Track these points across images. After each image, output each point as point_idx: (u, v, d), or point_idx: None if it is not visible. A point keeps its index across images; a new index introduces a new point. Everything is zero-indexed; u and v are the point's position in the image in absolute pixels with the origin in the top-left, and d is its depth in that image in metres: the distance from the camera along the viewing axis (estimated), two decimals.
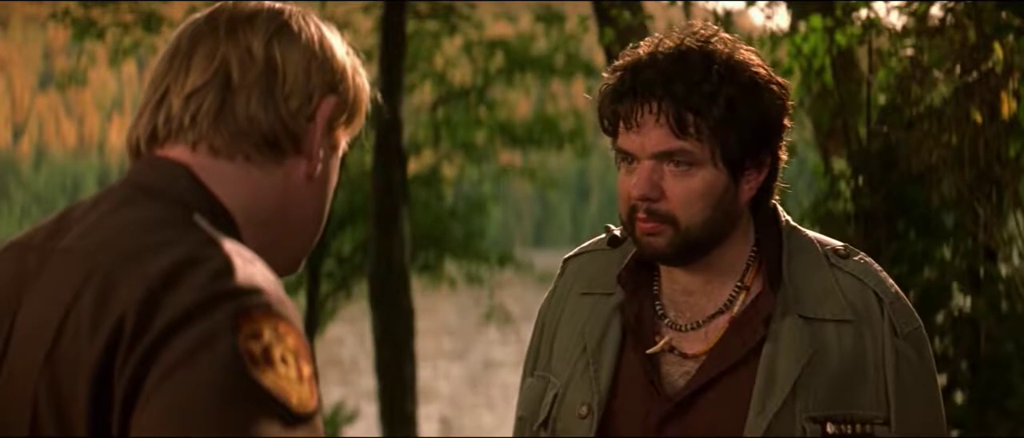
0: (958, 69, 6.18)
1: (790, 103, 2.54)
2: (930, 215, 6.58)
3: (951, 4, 6.27)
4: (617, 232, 2.65)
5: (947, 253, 6.67)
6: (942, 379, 6.55)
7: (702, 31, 2.51)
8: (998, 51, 5.81)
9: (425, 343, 15.76)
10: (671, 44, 2.48)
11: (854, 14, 6.72)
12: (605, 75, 2.55)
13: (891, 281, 2.58)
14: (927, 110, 6.39)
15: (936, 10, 6.48)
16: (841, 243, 2.61)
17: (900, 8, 6.73)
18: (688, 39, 2.49)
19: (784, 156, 2.55)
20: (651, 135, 2.45)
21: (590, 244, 2.73)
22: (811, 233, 2.61)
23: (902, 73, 6.58)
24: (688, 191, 2.46)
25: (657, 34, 2.53)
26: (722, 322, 2.54)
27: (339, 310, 18.78)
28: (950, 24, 6.27)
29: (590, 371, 2.57)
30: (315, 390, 1.65)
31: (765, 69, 2.50)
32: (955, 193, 6.33)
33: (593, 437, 2.53)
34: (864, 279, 2.55)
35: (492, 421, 25.18)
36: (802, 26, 6.94)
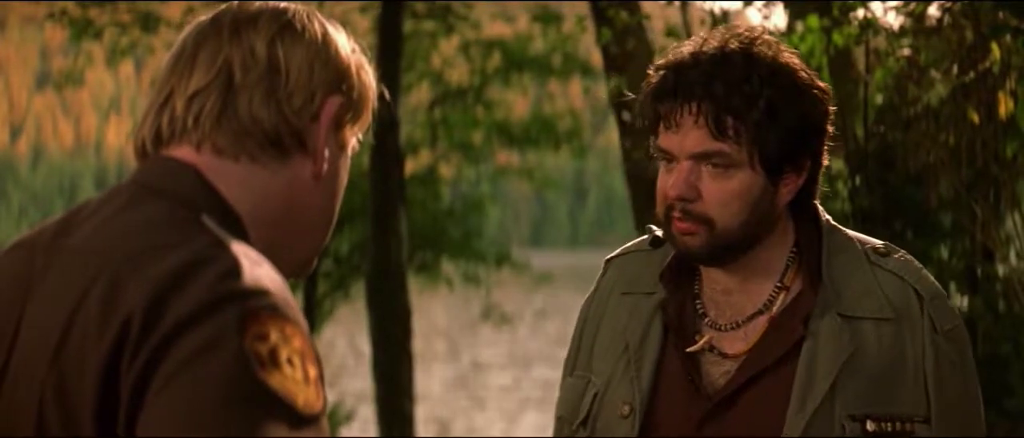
0: (955, 69, 6.18)
1: (832, 108, 2.54)
2: (927, 215, 6.58)
3: (948, 4, 6.27)
4: (659, 233, 2.66)
5: (944, 253, 6.67)
6: None
7: (746, 33, 2.51)
8: (995, 51, 5.80)
9: (416, 343, 15.74)
10: (714, 45, 2.49)
11: (851, 14, 6.71)
12: (649, 73, 2.55)
13: (932, 278, 2.58)
14: (924, 110, 6.39)
15: (933, 10, 6.47)
16: (881, 241, 2.61)
17: (897, 8, 6.73)
18: (731, 41, 2.49)
19: (826, 160, 2.55)
20: (690, 135, 2.45)
21: (632, 245, 2.74)
22: (851, 232, 2.61)
23: (899, 73, 6.58)
24: (725, 193, 2.46)
25: (701, 34, 2.53)
26: (762, 322, 2.54)
27: (334, 310, 18.77)
28: (947, 24, 6.26)
29: (632, 370, 2.57)
30: (321, 392, 1.65)
31: (807, 73, 2.50)
32: (952, 193, 6.33)
33: (635, 437, 2.54)
34: (904, 277, 2.55)
35: (483, 422, 25.16)
36: (799, 26, 6.93)
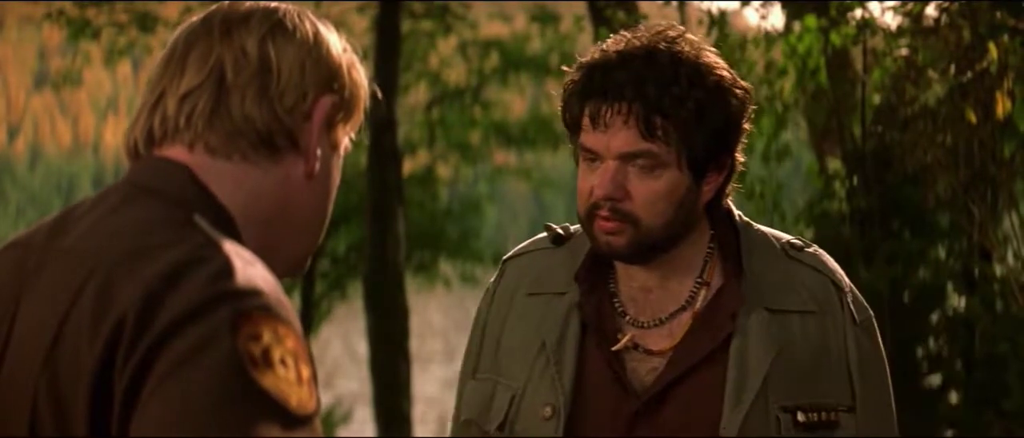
0: (953, 69, 6.18)
1: (752, 106, 2.55)
2: (925, 215, 6.59)
3: (946, 4, 6.27)
4: (559, 230, 2.66)
5: (942, 253, 6.67)
6: (937, 379, 6.56)
7: (668, 32, 2.50)
8: (992, 51, 5.80)
9: (413, 343, 15.74)
10: (640, 44, 2.48)
11: (849, 14, 6.72)
12: (565, 69, 2.55)
13: (842, 271, 2.62)
14: (922, 110, 6.39)
15: (931, 10, 6.47)
16: (793, 236, 2.64)
17: (895, 8, 6.73)
18: (656, 39, 2.48)
19: (742, 158, 2.56)
20: (618, 136, 2.45)
21: (531, 244, 2.73)
22: (764, 228, 2.63)
23: (897, 73, 6.58)
24: (652, 192, 2.46)
25: (623, 33, 2.53)
26: (685, 318, 2.55)
27: (332, 310, 18.77)
28: (945, 24, 6.26)
29: (551, 370, 2.55)
30: (314, 392, 1.65)
31: (729, 72, 2.51)
32: (950, 193, 6.33)
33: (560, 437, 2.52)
34: (821, 270, 2.59)
35: None
36: (797, 26, 6.94)
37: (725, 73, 2.50)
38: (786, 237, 2.62)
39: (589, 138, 2.49)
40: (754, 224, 2.62)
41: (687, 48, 2.48)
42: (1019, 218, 6.17)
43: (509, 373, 2.61)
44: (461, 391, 2.70)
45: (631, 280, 2.58)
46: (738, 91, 2.50)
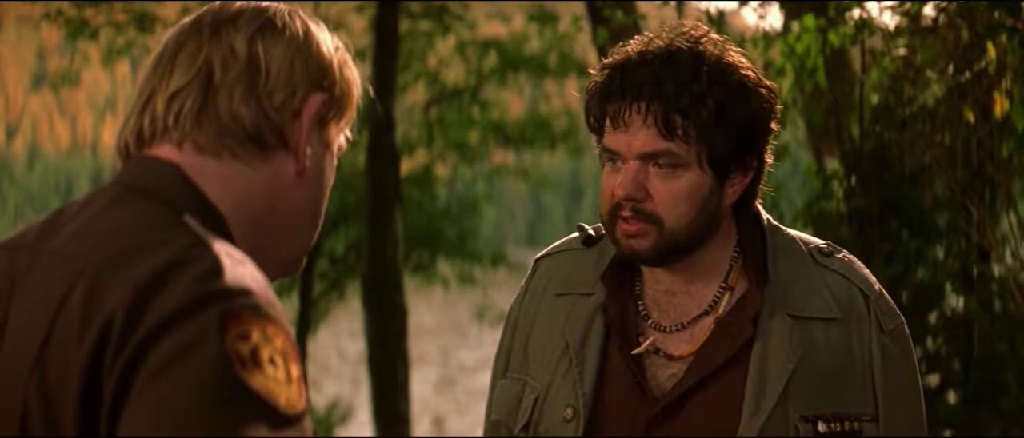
0: (951, 69, 6.18)
1: (778, 106, 2.52)
2: (923, 215, 6.58)
3: (944, 4, 6.26)
4: (590, 231, 2.65)
5: (940, 253, 6.66)
6: (935, 379, 6.55)
7: (692, 32, 2.49)
8: (991, 51, 5.79)
9: (412, 344, 15.73)
10: (661, 44, 2.47)
11: (847, 14, 6.71)
12: (591, 72, 2.54)
13: (873, 278, 2.59)
14: (920, 110, 6.39)
15: (929, 10, 6.47)
16: (823, 241, 2.61)
17: (893, 8, 6.73)
18: (678, 39, 2.47)
19: (770, 160, 2.54)
20: (638, 135, 2.44)
21: (562, 244, 2.72)
22: (793, 232, 2.60)
23: (895, 73, 6.57)
24: (673, 193, 2.44)
25: (647, 33, 2.52)
26: (707, 323, 2.53)
27: (330, 311, 18.76)
28: (943, 24, 6.26)
29: (573, 372, 2.54)
30: (303, 391, 1.65)
31: (754, 71, 2.49)
32: (948, 193, 6.32)
33: None
34: (849, 277, 2.55)
35: (476, 423, 24.98)
36: (795, 26, 6.93)
37: (749, 73, 2.47)
38: (815, 242, 2.59)
39: (611, 139, 2.48)
40: (783, 228, 2.59)
41: (710, 47, 2.47)
42: (1017, 218, 6.16)
43: (535, 374, 2.60)
44: (492, 390, 2.70)
45: (656, 283, 2.57)
46: (762, 91, 2.48)
